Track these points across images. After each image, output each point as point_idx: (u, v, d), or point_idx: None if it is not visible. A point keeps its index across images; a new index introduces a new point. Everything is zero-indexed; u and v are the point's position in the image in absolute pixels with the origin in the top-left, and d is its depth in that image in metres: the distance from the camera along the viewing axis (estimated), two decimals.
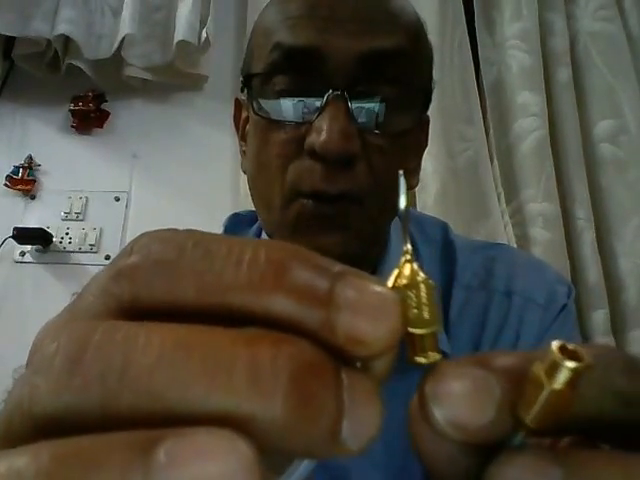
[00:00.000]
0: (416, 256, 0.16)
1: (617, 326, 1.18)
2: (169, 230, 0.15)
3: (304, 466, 0.14)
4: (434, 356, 0.15)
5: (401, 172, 0.18)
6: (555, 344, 0.14)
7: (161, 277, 0.14)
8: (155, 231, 0.15)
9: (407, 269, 0.15)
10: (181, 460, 0.11)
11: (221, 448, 0.11)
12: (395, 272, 0.15)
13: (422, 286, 0.15)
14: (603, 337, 1.14)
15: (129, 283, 0.14)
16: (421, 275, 0.15)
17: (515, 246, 1.17)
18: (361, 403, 0.13)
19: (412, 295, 0.15)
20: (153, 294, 0.14)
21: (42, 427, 0.13)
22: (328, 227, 0.45)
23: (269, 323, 0.14)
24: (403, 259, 0.15)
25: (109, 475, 0.11)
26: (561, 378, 0.13)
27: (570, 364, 0.13)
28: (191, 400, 0.12)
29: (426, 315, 0.15)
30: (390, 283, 0.15)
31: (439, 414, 0.14)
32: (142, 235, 0.15)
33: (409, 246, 0.16)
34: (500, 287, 0.55)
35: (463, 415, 0.14)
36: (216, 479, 0.11)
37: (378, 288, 0.14)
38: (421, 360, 0.15)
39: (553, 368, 0.14)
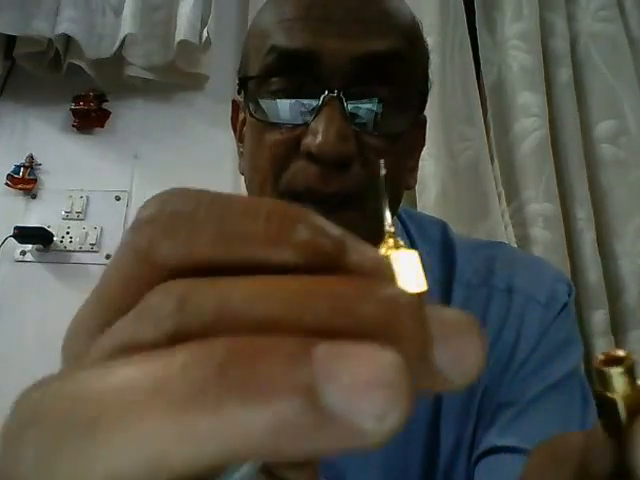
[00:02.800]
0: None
1: (617, 326, 1.18)
2: (184, 187, 0.16)
3: (245, 468, 0.14)
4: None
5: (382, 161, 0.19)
6: (599, 357, 0.15)
7: (180, 226, 0.14)
8: (170, 189, 0.16)
9: (390, 242, 0.16)
10: (342, 353, 0.11)
11: (374, 350, 0.11)
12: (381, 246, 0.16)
13: (404, 253, 0.16)
14: (602, 338, 1.14)
15: (148, 231, 0.14)
16: (401, 244, 0.16)
17: (515, 246, 1.17)
18: (453, 333, 0.13)
19: (398, 261, 0.16)
20: (172, 244, 0.14)
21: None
22: None
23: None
24: (387, 235, 0.16)
25: (276, 365, 0.11)
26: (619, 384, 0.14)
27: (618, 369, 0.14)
28: None
29: (417, 279, 0.15)
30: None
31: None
32: (157, 194, 0.15)
33: (389, 220, 0.17)
34: (501, 285, 0.55)
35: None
36: (376, 372, 0.11)
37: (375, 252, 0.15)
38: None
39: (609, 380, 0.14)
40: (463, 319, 0.13)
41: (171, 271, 0.14)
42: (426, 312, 0.13)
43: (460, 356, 0.13)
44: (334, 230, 0.14)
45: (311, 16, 0.45)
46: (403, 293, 0.13)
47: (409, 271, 0.16)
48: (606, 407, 0.15)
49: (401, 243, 0.16)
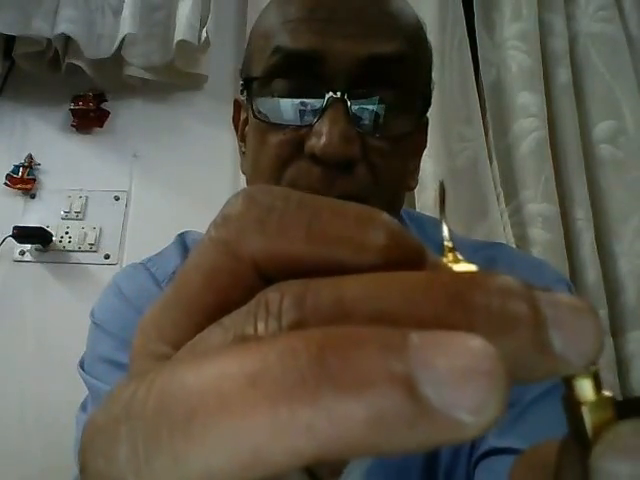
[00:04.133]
0: None
1: (616, 327, 1.19)
2: (269, 185, 0.15)
3: (359, 468, 0.14)
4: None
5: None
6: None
7: (270, 222, 0.14)
8: (255, 186, 0.15)
9: (450, 256, 0.16)
10: (436, 342, 0.11)
11: (465, 338, 0.11)
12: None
13: (464, 267, 0.15)
14: None
15: (236, 225, 0.14)
16: (460, 258, 0.16)
17: (514, 246, 1.17)
18: (568, 314, 0.13)
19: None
20: (261, 238, 0.14)
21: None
22: None
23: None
24: (446, 249, 0.16)
25: (373, 355, 0.11)
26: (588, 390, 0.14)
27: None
28: None
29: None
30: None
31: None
32: (242, 189, 0.15)
33: (447, 235, 0.17)
34: None
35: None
36: (471, 361, 0.11)
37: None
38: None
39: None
40: (576, 301, 0.13)
41: (257, 266, 0.14)
42: (539, 296, 0.13)
43: (577, 337, 0.12)
44: (411, 235, 0.15)
45: (315, 17, 0.45)
46: (512, 280, 0.13)
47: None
48: (573, 414, 0.14)
49: (460, 257, 0.16)
